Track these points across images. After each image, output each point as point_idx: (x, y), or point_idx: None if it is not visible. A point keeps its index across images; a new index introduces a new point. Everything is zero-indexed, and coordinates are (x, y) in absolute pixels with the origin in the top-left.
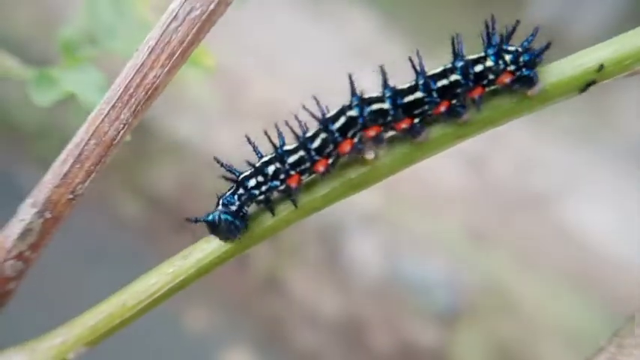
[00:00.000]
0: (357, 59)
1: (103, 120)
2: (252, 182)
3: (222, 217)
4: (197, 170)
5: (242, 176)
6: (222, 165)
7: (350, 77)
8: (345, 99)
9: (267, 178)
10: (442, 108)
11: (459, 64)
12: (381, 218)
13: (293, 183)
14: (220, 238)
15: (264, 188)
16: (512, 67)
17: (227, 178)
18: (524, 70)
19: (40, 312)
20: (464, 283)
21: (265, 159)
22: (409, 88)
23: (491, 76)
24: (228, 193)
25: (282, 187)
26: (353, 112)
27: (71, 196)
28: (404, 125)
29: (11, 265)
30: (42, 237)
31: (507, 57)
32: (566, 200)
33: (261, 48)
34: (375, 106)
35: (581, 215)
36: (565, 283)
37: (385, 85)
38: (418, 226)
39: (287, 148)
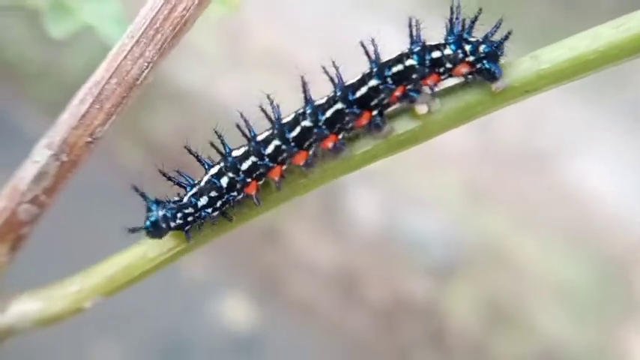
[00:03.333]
0: (368, 7)
1: (125, 57)
2: (203, 201)
3: (151, 223)
4: (198, 118)
5: (190, 194)
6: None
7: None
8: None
9: (222, 192)
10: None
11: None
12: (381, 173)
13: (252, 190)
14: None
15: (219, 204)
16: (471, 58)
17: (180, 185)
18: (484, 62)
19: (41, 259)
20: (460, 239)
21: (214, 170)
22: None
23: (448, 65)
24: (172, 206)
25: (240, 197)
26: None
27: (90, 140)
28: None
29: (25, 209)
30: (58, 181)
31: (467, 47)
32: (569, 158)
33: None
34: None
35: (582, 174)
36: (562, 241)
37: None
38: (418, 182)
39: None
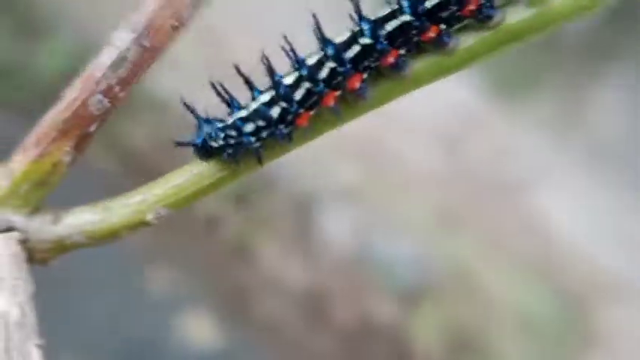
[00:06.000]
0: (350, 24)
1: None
2: (249, 127)
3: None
4: (173, 128)
5: (237, 116)
6: (221, 91)
7: None
8: None
9: (271, 122)
10: None
11: None
12: (355, 195)
13: (303, 122)
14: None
15: (264, 134)
16: None
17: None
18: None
19: None
20: (429, 264)
21: (265, 98)
22: None
23: None
24: (218, 125)
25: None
26: None
27: (176, 24)
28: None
29: (98, 100)
30: (134, 71)
31: None
32: (537, 191)
33: (247, 6)
34: None
35: (549, 207)
36: (527, 271)
37: None
38: (391, 206)
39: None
